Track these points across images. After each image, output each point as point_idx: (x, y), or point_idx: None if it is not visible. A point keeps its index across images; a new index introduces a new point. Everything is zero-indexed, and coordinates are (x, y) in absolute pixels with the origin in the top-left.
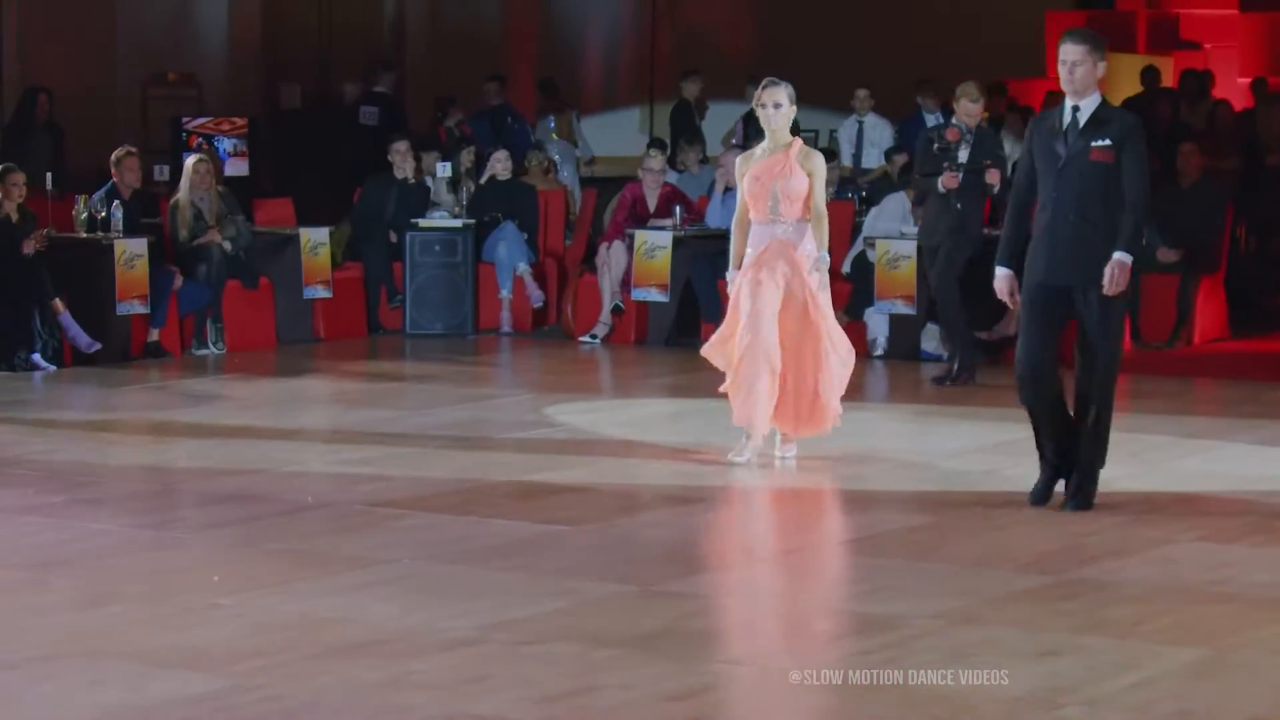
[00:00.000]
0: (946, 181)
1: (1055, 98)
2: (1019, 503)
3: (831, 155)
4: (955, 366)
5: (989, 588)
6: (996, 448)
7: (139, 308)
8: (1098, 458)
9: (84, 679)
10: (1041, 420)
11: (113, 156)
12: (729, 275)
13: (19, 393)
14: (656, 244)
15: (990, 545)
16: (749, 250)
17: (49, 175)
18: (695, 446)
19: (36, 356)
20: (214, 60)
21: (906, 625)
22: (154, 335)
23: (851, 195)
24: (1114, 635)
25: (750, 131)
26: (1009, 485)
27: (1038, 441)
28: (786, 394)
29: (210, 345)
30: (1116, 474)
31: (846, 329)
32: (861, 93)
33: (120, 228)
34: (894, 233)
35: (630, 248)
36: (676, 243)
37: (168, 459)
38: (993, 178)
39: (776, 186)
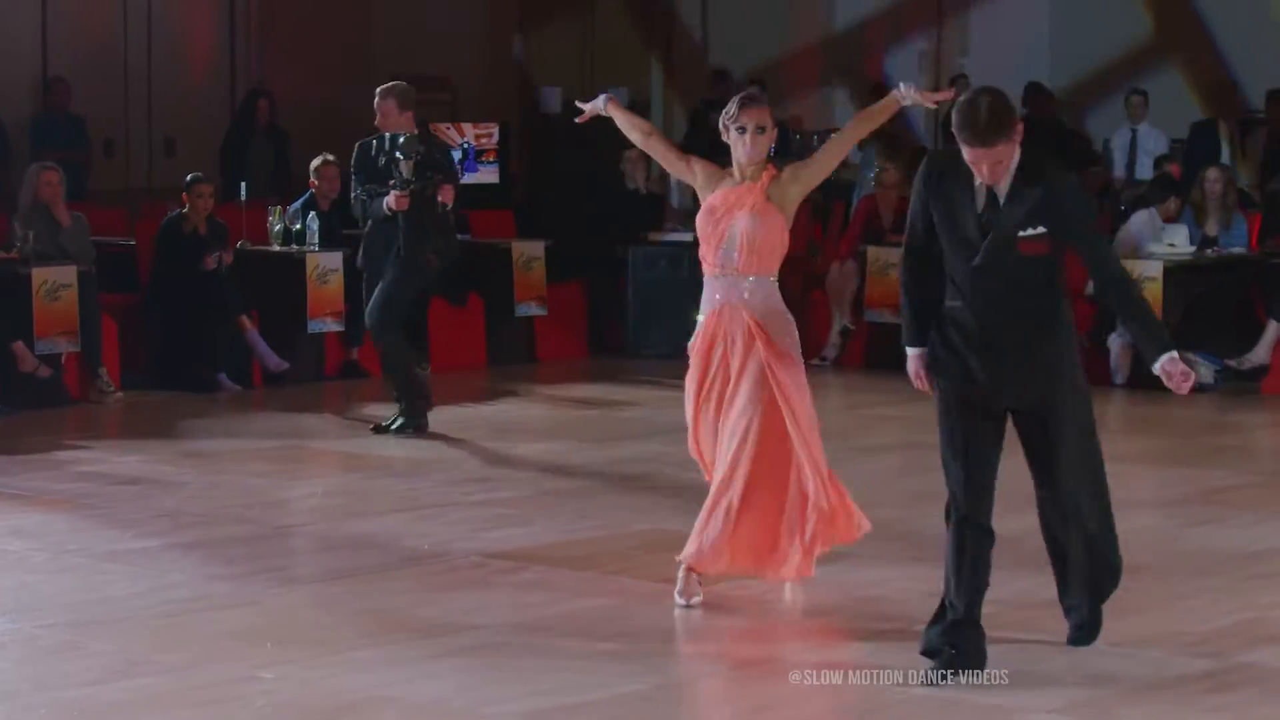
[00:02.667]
0: (395, 203)
1: None
2: (1209, 567)
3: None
4: (398, 415)
5: (1137, 674)
6: (1207, 495)
7: (332, 325)
8: (1106, 579)
9: None
10: (966, 570)
11: (312, 165)
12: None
13: (192, 415)
14: (890, 261)
15: (1155, 620)
16: (702, 309)
17: (243, 185)
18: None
19: (223, 376)
20: (469, 63)
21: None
22: (352, 355)
23: (1125, 208)
24: None
25: None
26: (1204, 543)
27: (952, 593)
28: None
29: (415, 366)
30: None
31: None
32: (1135, 99)
33: (316, 240)
34: (1142, 251)
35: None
36: None
37: (300, 496)
38: (446, 195)
39: (736, 228)
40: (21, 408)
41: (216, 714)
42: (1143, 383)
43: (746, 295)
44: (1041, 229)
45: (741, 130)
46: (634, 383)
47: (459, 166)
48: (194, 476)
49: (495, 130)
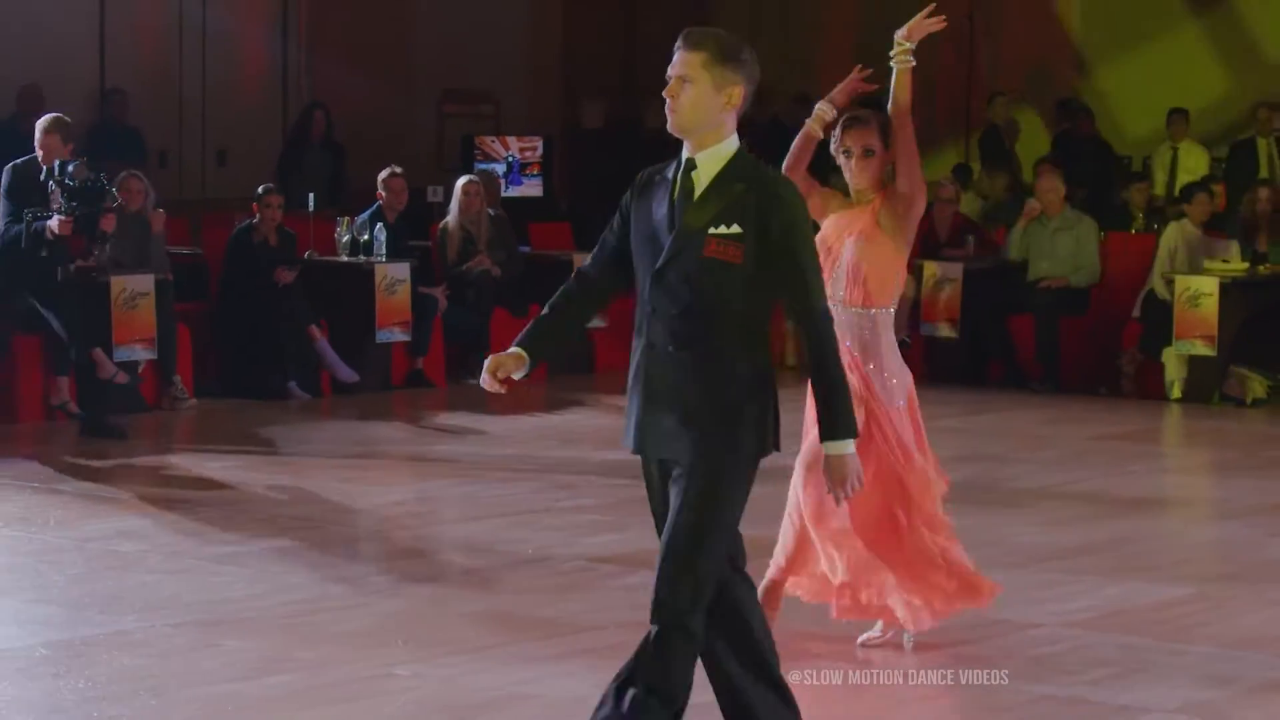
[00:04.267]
0: (59, 227)
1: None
2: None
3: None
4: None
5: (1250, 675)
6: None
7: (400, 335)
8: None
9: None
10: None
11: (379, 177)
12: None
13: (266, 422)
14: (948, 276)
15: (1257, 624)
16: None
17: (311, 196)
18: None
19: (293, 385)
20: (513, 77)
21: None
22: (418, 364)
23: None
24: None
25: None
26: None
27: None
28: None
29: (476, 376)
30: None
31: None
32: (1176, 117)
33: (383, 251)
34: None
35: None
36: (967, 275)
37: (391, 501)
38: (107, 224)
39: (845, 255)
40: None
41: (362, 709)
42: (1195, 396)
43: (859, 329)
44: (736, 228)
45: (846, 153)
46: None
47: (502, 179)
48: (284, 481)
49: (539, 143)
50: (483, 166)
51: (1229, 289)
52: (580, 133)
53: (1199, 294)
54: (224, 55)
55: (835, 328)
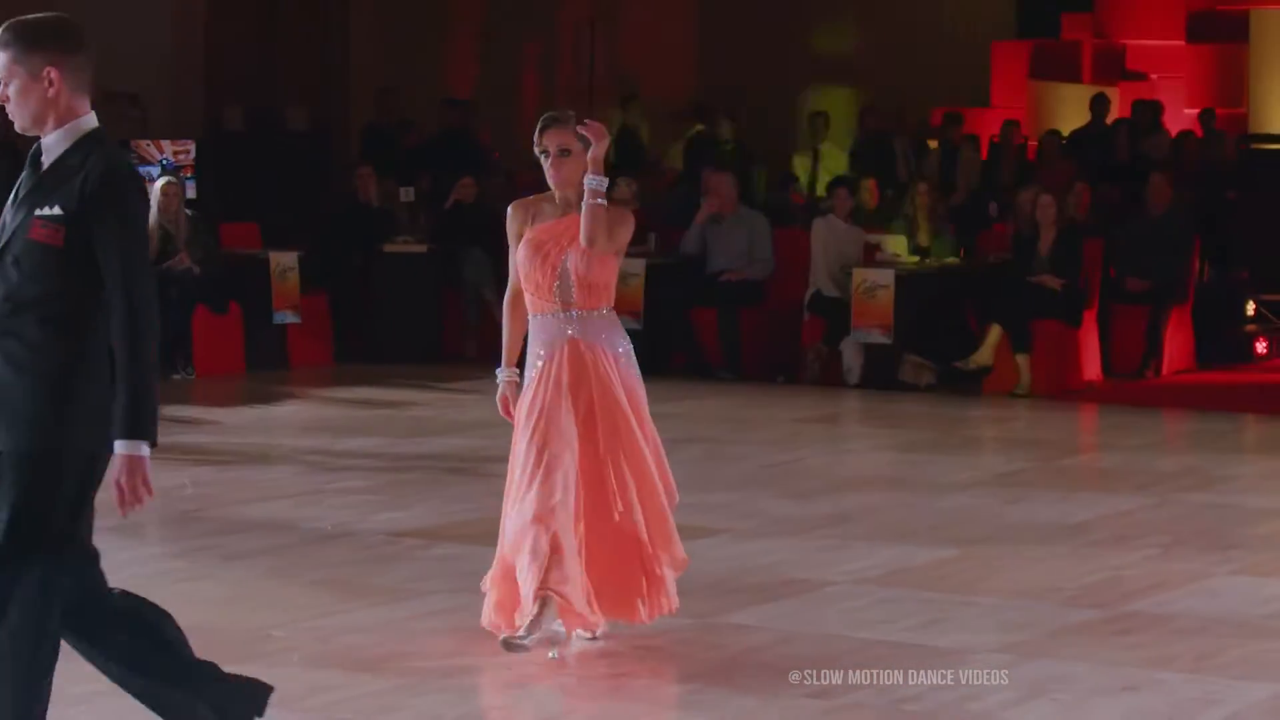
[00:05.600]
0: None
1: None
2: (1045, 536)
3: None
4: None
5: (1044, 621)
6: (998, 479)
7: None
8: None
9: None
10: None
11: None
12: (499, 378)
13: None
14: (629, 271)
15: (1031, 579)
16: (532, 353)
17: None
18: None
19: None
20: (157, 80)
21: (973, 659)
22: None
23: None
24: (1185, 670)
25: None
26: (1028, 517)
27: None
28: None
29: (181, 370)
30: (1131, 506)
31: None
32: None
33: None
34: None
35: None
36: (649, 270)
37: (171, 485)
38: None
39: (568, 262)
40: None
41: (257, 669)
42: (875, 383)
43: (584, 329)
44: (59, 210)
45: (545, 154)
46: (401, 385)
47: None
48: None
49: (192, 147)
50: (141, 170)
51: (903, 280)
52: (222, 136)
53: (875, 286)
54: None
55: (570, 330)
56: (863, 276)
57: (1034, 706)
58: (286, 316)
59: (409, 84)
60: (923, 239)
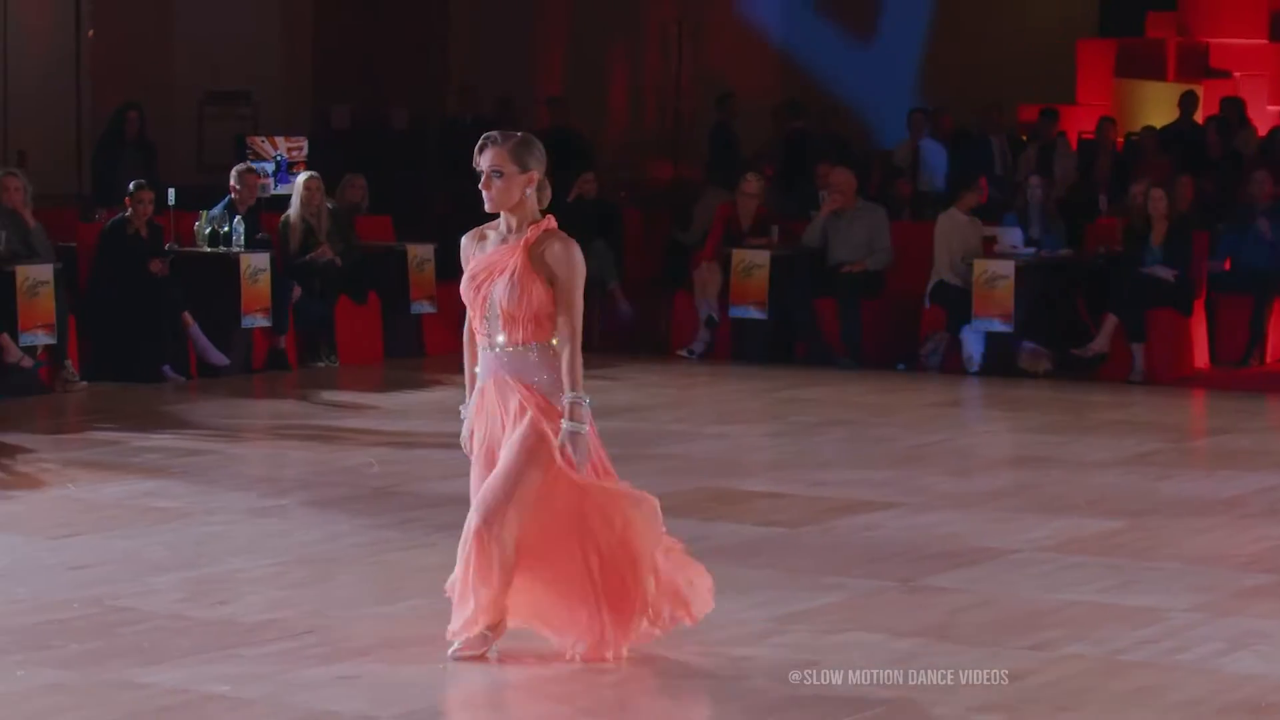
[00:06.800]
0: None
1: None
2: (1202, 509)
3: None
4: None
5: (1226, 584)
6: (1139, 458)
7: (262, 320)
8: None
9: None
10: None
11: (233, 172)
12: (462, 412)
13: (158, 402)
14: (754, 263)
15: (1201, 547)
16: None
17: (171, 191)
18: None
19: (167, 368)
20: (267, 80)
21: (1172, 616)
22: (280, 343)
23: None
24: None
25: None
26: (1180, 492)
27: None
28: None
29: (325, 359)
30: (1274, 482)
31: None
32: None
33: (241, 242)
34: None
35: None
36: (774, 261)
37: (356, 464)
38: None
39: (495, 293)
40: (4, 396)
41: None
42: (994, 370)
43: (510, 365)
44: None
45: (481, 173)
46: None
47: (270, 177)
48: (242, 450)
49: (304, 143)
50: (255, 165)
51: (1022, 272)
52: (330, 134)
53: (996, 276)
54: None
55: (503, 361)
56: (984, 267)
57: (1239, 657)
58: (424, 306)
59: (502, 86)
60: (1034, 232)
